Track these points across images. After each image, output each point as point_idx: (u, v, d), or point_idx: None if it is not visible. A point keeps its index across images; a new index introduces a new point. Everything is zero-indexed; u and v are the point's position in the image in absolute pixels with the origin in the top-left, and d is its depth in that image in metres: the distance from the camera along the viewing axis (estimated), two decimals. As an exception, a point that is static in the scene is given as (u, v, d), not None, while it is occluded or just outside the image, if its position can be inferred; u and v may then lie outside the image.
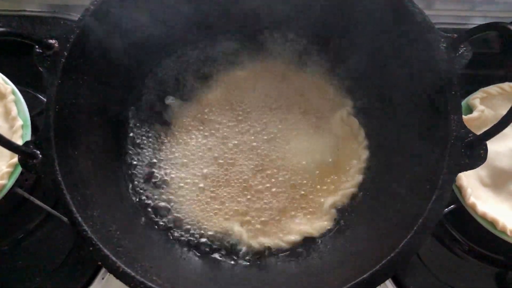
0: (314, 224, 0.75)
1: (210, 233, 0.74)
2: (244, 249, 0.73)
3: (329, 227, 0.75)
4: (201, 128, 0.81)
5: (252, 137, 0.81)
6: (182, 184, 0.77)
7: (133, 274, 0.55)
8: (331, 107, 0.83)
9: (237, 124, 0.82)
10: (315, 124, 0.82)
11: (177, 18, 0.78)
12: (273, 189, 0.77)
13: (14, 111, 0.77)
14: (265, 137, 0.81)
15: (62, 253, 0.80)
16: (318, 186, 0.78)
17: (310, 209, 0.77)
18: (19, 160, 0.58)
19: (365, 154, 0.79)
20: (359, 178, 0.78)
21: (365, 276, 0.55)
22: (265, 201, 0.77)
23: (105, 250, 0.55)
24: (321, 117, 0.83)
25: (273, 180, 0.78)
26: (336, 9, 0.77)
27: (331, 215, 0.76)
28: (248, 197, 0.77)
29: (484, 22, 1.01)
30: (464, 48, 0.62)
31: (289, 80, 0.85)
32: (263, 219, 0.76)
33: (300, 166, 0.79)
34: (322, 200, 0.77)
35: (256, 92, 0.84)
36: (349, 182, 0.78)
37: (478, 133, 0.58)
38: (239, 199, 0.77)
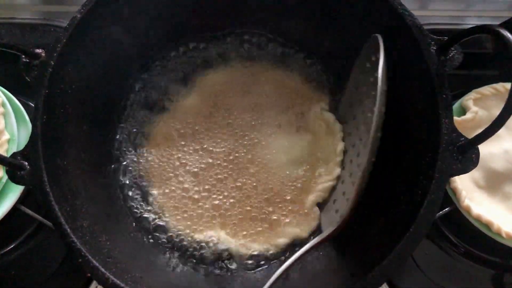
0: (301, 225, 0.75)
1: (198, 241, 0.73)
2: (233, 256, 0.73)
3: (315, 226, 0.75)
4: (183, 136, 0.80)
5: (232, 140, 0.80)
6: (170, 194, 0.77)
7: (122, 285, 0.54)
8: (308, 105, 0.83)
9: (216, 129, 0.80)
10: (294, 123, 0.82)
11: (161, 25, 0.78)
12: (256, 192, 0.77)
13: (1, 124, 0.76)
14: (245, 140, 0.80)
15: (55, 262, 0.80)
16: (299, 185, 0.78)
17: (295, 209, 0.76)
18: (7, 172, 0.58)
19: (340, 146, 0.78)
20: (337, 171, 0.77)
21: (357, 284, 0.54)
22: (249, 207, 0.76)
23: (94, 262, 0.55)
24: (299, 115, 0.82)
25: (255, 183, 0.77)
26: (322, 12, 0.76)
27: (316, 213, 0.76)
28: (232, 202, 0.76)
29: (479, 22, 1.02)
30: (455, 51, 0.61)
31: (267, 81, 0.84)
32: (249, 224, 0.75)
33: (281, 167, 0.78)
34: (304, 198, 0.77)
35: (234, 95, 0.83)
36: (327, 176, 0.77)
37: (472, 134, 0.57)
38: (224, 206, 0.76)
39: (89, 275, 0.56)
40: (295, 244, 0.74)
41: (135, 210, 0.75)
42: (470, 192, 0.79)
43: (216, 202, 0.76)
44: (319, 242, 0.64)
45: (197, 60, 0.85)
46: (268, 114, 0.82)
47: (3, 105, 0.78)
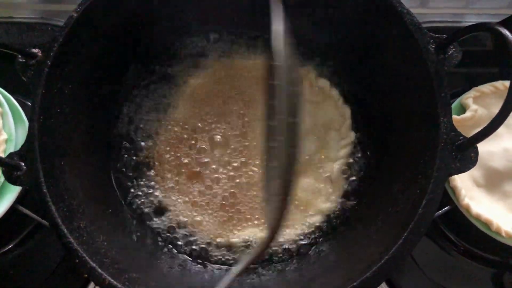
0: (329, 197, 0.76)
1: (200, 240, 0.74)
2: (234, 255, 0.73)
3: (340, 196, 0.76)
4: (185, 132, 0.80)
5: (230, 126, 0.80)
6: (170, 193, 0.77)
7: (119, 286, 0.54)
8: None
9: (211, 127, 0.80)
10: None
11: (161, 23, 0.77)
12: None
13: None
14: (244, 130, 0.79)
15: (54, 262, 0.80)
16: (318, 156, 0.78)
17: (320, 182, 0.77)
18: (4, 172, 0.58)
19: (347, 109, 0.79)
20: (351, 134, 0.78)
21: (355, 283, 0.54)
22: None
23: (91, 262, 0.55)
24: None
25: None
26: (322, 8, 0.75)
27: (341, 181, 0.77)
28: (240, 191, 0.76)
29: (479, 20, 1.02)
30: (454, 49, 0.61)
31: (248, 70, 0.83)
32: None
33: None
34: (329, 169, 0.77)
35: (220, 93, 0.82)
36: (344, 141, 0.78)
37: (472, 133, 0.57)
38: (235, 196, 0.76)
39: (86, 275, 0.55)
40: (293, 250, 0.74)
41: (134, 211, 0.75)
42: (470, 191, 0.78)
43: (218, 197, 0.76)
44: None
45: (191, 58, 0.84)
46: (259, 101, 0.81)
47: (1, 104, 0.78)
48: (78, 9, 0.63)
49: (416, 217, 0.56)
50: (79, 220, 0.60)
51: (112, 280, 0.54)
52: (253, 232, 0.74)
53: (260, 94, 0.80)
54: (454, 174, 0.58)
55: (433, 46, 0.61)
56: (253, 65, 0.83)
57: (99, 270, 0.54)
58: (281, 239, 0.74)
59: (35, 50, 0.62)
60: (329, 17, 0.75)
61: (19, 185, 0.58)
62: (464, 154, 0.58)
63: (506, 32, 0.52)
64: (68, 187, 0.62)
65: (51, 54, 0.61)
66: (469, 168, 0.58)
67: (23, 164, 0.58)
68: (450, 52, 0.61)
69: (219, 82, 0.82)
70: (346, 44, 0.77)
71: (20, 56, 0.61)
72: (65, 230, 0.56)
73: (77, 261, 0.55)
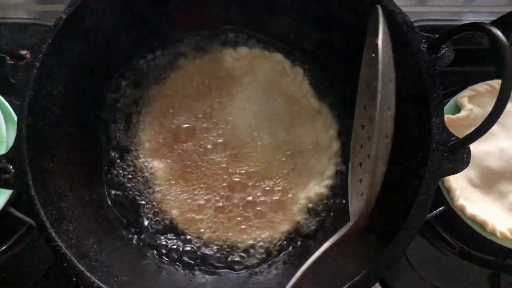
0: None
1: (188, 245, 0.73)
2: (222, 257, 0.73)
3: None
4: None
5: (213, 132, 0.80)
6: (158, 195, 0.76)
7: (108, 289, 0.54)
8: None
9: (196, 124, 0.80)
10: (270, 97, 0.81)
11: (148, 24, 0.77)
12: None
13: None
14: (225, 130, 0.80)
15: (45, 265, 0.79)
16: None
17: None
18: (-9, 175, 0.57)
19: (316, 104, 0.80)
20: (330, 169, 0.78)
21: (346, 286, 0.54)
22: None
23: (79, 266, 0.55)
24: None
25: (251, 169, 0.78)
26: (312, 7, 0.75)
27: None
28: (220, 200, 0.76)
29: (477, 18, 1.01)
30: (446, 48, 0.60)
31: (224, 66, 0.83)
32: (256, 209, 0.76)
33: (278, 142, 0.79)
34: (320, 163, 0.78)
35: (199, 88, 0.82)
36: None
37: (467, 132, 0.56)
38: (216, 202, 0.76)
39: (74, 279, 0.55)
40: (281, 250, 0.74)
41: (124, 214, 0.75)
42: (465, 191, 0.78)
43: (208, 201, 0.76)
44: (340, 240, 0.53)
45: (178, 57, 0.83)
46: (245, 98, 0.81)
47: (-8, 107, 0.78)
48: (67, 10, 0.63)
49: (408, 218, 0.56)
50: (68, 223, 0.59)
51: (100, 284, 0.54)
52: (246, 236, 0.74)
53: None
54: (446, 176, 0.58)
55: (425, 45, 0.60)
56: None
57: (88, 274, 0.54)
58: (266, 241, 0.74)
59: (24, 52, 0.61)
60: (319, 17, 0.74)
61: (7, 188, 0.58)
62: (456, 155, 0.57)
63: (497, 32, 0.51)
64: (57, 190, 0.61)
65: (40, 55, 0.61)
66: (461, 169, 0.57)
67: (11, 167, 0.57)
68: (443, 51, 0.60)
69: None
70: (335, 43, 0.76)
71: (8, 58, 0.61)
72: (53, 233, 0.56)
73: (65, 264, 0.54)
